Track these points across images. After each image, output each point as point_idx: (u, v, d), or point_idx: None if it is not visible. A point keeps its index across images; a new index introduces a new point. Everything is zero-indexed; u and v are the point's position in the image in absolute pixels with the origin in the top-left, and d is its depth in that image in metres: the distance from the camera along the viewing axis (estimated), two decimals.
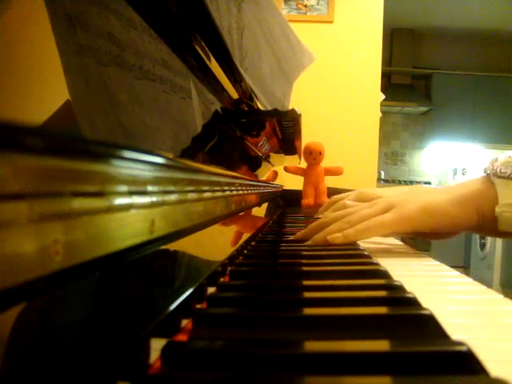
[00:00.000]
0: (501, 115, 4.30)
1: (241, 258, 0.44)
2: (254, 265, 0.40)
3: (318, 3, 2.10)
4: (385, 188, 0.62)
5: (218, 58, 0.47)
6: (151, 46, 0.31)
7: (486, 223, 0.48)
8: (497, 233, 0.49)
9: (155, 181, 0.20)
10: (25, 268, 0.11)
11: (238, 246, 0.46)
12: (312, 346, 0.19)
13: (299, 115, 0.59)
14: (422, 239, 0.54)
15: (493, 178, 0.47)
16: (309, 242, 0.52)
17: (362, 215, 0.51)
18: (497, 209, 0.46)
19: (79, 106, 0.20)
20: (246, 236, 0.53)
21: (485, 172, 0.50)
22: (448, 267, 0.43)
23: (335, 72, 2.10)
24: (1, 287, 0.10)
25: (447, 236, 0.53)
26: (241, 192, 0.50)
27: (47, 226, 0.12)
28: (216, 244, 0.40)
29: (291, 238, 0.58)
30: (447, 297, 0.32)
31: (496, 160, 0.49)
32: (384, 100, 2.19)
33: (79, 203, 0.14)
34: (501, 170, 0.46)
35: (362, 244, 0.51)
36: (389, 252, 0.54)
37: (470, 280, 0.37)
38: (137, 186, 0.18)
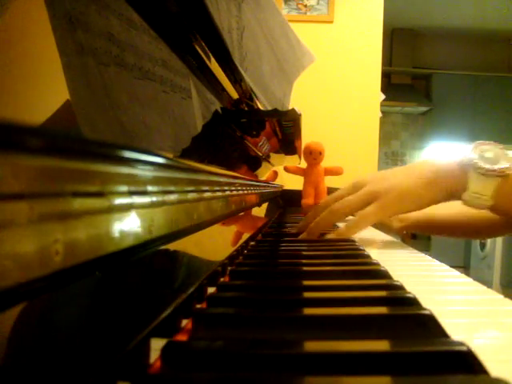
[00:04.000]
0: (501, 115, 4.30)
1: (241, 257, 0.44)
2: (253, 265, 0.40)
3: (317, 3, 2.10)
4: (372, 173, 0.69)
5: (218, 58, 0.47)
6: (151, 46, 0.31)
7: (449, 200, 0.57)
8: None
9: (155, 181, 0.20)
10: (25, 268, 0.11)
11: (237, 246, 0.46)
12: (312, 345, 0.19)
13: (299, 115, 0.59)
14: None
15: (467, 167, 0.53)
16: (304, 235, 0.58)
17: (346, 204, 0.57)
18: (465, 196, 0.54)
19: (79, 105, 0.20)
20: (246, 236, 0.53)
21: (460, 159, 0.55)
22: (448, 267, 0.43)
23: (335, 72, 2.10)
24: (1, 287, 0.10)
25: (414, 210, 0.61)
26: (241, 192, 0.50)
27: (47, 226, 0.12)
28: (216, 244, 0.40)
29: (292, 236, 0.61)
30: (447, 297, 0.32)
31: (474, 148, 0.55)
32: (384, 100, 2.18)
33: (79, 203, 0.14)
34: (478, 164, 0.52)
35: (362, 244, 0.51)
36: (389, 252, 0.54)
37: (469, 280, 0.37)
38: (137, 186, 0.18)
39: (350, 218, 0.61)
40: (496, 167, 0.52)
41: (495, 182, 0.52)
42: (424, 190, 0.56)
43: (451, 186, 0.55)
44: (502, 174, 0.52)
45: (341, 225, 0.73)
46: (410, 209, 0.57)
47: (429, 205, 0.58)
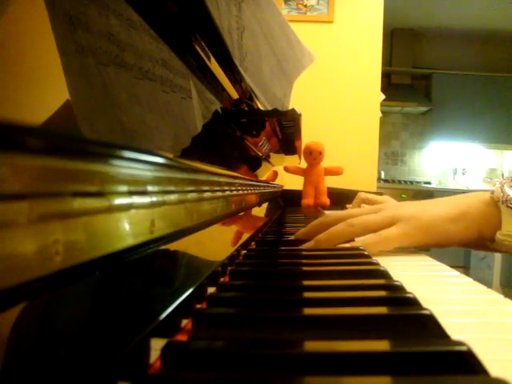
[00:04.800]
0: (501, 115, 4.30)
1: (241, 258, 0.44)
2: (253, 265, 0.40)
3: (318, 3, 2.10)
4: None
5: (218, 58, 0.47)
6: (151, 46, 0.31)
7: (483, 242, 0.50)
8: (492, 250, 0.51)
9: (155, 181, 0.20)
10: (25, 268, 0.11)
11: (237, 245, 0.46)
12: (312, 345, 0.19)
13: (299, 115, 0.59)
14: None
15: (500, 204, 0.48)
16: (311, 243, 0.52)
17: (365, 220, 0.52)
18: (498, 235, 0.48)
19: (79, 105, 0.20)
20: (246, 236, 0.53)
21: (492, 193, 0.50)
22: (448, 267, 0.43)
23: (335, 72, 2.10)
24: (1, 287, 0.10)
25: (443, 247, 0.55)
26: (241, 192, 0.50)
27: (47, 226, 0.12)
28: (216, 244, 0.40)
29: (292, 237, 0.58)
30: (447, 297, 0.32)
31: (503, 185, 0.50)
32: (384, 100, 2.18)
33: (79, 203, 0.14)
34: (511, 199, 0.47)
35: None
36: (389, 252, 0.54)
37: (469, 280, 0.37)
38: (137, 186, 0.18)
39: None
40: None
41: None
42: (452, 224, 0.50)
43: (483, 225, 0.49)
44: None
45: None
46: (436, 243, 0.50)
47: (458, 243, 0.51)
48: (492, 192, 0.50)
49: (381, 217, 0.52)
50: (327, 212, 0.58)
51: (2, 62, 0.16)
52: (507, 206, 0.48)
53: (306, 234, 0.55)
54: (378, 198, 0.68)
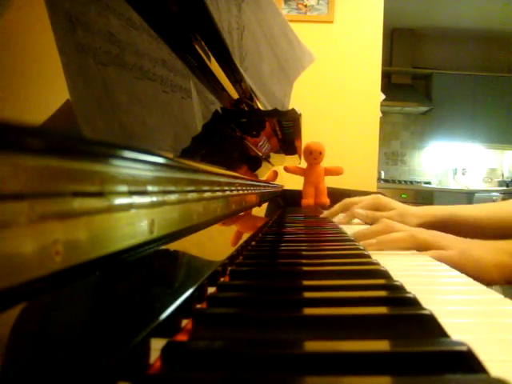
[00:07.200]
0: (501, 115, 4.30)
1: (241, 257, 0.44)
2: (254, 265, 0.40)
3: (318, 3, 2.10)
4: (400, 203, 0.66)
5: (218, 58, 0.47)
6: (151, 45, 0.31)
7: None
8: None
9: (155, 181, 0.20)
10: (25, 268, 0.11)
11: (237, 246, 0.46)
12: (312, 345, 0.19)
13: (299, 115, 0.59)
14: None
15: None
16: (373, 241, 0.55)
17: (427, 237, 0.54)
18: None
19: (79, 105, 0.20)
20: (246, 236, 0.53)
21: None
22: (448, 267, 0.43)
23: (335, 72, 2.10)
24: (1, 287, 0.10)
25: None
26: (241, 192, 0.50)
27: (47, 226, 0.12)
28: (216, 244, 0.40)
29: (292, 237, 0.58)
30: (447, 297, 0.32)
31: None
32: (384, 100, 2.18)
33: (79, 203, 0.14)
34: None
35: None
36: (389, 252, 0.54)
37: (470, 280, 0.37)
38: (137, 186, 0.18)
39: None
40: None
41: None
42: (496, 271, 0.50)
43: None
44: None
45: (348, 230, 0.74)
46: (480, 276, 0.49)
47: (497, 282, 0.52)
48: None
49: (443, 239, 0.54)
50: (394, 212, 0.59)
51: (2, 62, 0.16)
52: None
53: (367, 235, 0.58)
54: (364, 198, 0.69)
